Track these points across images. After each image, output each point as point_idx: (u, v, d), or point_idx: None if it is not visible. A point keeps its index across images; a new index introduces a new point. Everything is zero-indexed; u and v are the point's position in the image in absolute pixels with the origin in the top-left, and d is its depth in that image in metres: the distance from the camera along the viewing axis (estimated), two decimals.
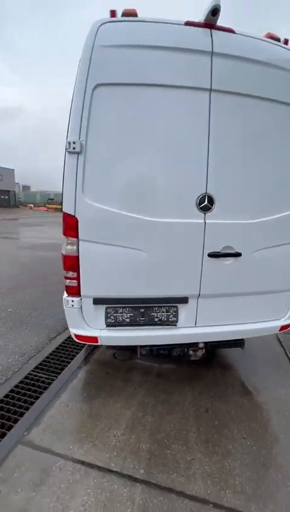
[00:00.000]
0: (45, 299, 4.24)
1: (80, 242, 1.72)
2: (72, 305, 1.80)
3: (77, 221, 1.69)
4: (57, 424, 1.85)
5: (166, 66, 1.62)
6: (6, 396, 2.08)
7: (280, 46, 1.75)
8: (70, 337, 2.93)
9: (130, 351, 2.53)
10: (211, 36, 1.62)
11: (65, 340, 2.96)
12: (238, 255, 1.83)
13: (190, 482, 1.48)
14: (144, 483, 1.47)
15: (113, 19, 1.59)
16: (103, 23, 1.57)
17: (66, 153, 1.63)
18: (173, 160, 1.70)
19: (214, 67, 1.64)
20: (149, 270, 1.80)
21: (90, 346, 2.80)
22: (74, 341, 2.70)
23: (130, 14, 1.61)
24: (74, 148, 1.60)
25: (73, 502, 1.37)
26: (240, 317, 1.99)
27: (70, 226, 1.70)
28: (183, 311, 1.92)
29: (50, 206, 40.74)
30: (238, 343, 2.10)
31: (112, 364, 2.55)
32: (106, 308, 1.86)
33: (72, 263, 1.75)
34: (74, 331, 1.86)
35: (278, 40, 1.77)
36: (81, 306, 1.83)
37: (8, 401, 2.02)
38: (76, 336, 1.86)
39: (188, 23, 1.63)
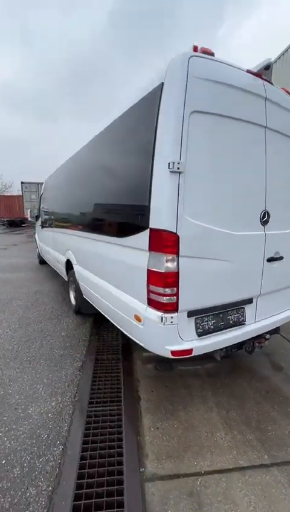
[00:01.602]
0: (33, 326, 3.62)
1: (180, 258, 1.75)
2: (172, 322, 1.79)
3: (178, 238, 1.72)
4: (163, 448, 1.77)
5: (239, 103, 1.91)
6: (86, 442, 1.80)
7: None
8: (99, 360, 2.77)
9: (169, 360, 2.62)
10: (264, 85, 2.03)
11: (95, 365, 2.70)
12: (281, 258, 2.29)
13: None
14: (276, 465, 1.67)
15: (197, 53, 1.75)
16: (191, 56, 1.71)
17: (167, 172, 1.66)
18: (246, 182, 2.00)
19: (267, 109, 2.05)
20: (231, 278, 2.01)
21: (124, 365, 2.69)
22: (106, 364, 2.70)
23: (208, 52, 1.81)
24: (177, 168, 1.65)
25: (240, 507, 1.43)
26: (280, 307, 2.46)
27: (171, 243, 1.72)
28: (248, 310, 2.22)
29: None
30: (277, 329, 2.57)
31: (161, 377, 2.55)
32: (195, 319, 1.94)
33: (172, 280, 1.76)
34: (170, 348, 1.83)
35: None
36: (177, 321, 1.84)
37: (94, 446, 1.76)
38: (173, 352, 1.85)
39: (248, 71, 1.98)
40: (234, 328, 2.13)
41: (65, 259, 4.22)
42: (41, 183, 20.76)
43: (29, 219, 7.73)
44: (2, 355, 2.85)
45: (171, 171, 1.66)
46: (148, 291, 1.88)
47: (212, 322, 2.02)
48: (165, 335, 1.83)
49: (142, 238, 1.90)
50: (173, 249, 1.73)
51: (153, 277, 1.82)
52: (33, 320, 3.79)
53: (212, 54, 1.82)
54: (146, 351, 2.92)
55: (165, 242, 1.72)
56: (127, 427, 1.94)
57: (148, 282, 1.86)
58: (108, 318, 2.68)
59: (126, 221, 2.20)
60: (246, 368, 2.72)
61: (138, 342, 2.11)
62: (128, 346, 3.13)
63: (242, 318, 2.18)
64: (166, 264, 1.74)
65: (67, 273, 4.35)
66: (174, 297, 1.79)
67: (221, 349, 2.19)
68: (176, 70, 1.70)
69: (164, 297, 1.78)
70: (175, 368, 2.68)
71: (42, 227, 6.56)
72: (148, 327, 1.92)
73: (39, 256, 7.95)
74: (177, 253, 1.75)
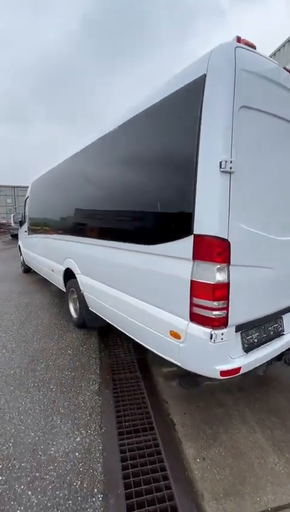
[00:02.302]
0: (33, 344, 3.22)
1: (230, 267, 1.58)
2: (222, 339, 1.60)
3: (229, 244, 1.55)
4: (218, 484, 1.56)
5: (282, 101, 1.79)
6: (128, 486, 1.53)
7: None
8: (116, 380, 2.51)
9: (195, 375, 2.42)
10: None
11: (114, 386, 2.42)
12: None
13: None
14: None
15: (242, 45, 1.61)
16: (237, 47, 1.56)
17: (217, 172, 1.48)
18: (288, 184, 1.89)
19: None
20: (273, 286, 1.88)
21: (143, 386, 2.45)
22: (125, 385, 2.52)
23: (251, 45, 1.68)
24: (230, 168, 1.48)
25: None
26: None
27: (222, 251, 1.54)
28: (286, 319, 2.09)
29: None
30: None
31: (188, 395, 2.34)
32: (241, 334, 1.76)
33: (223, 292, 1.57)
34: (220, 367, 1.64)
35: None
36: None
37: (139, 491, 1.50)
38: (222, 372, 1.65)
39: (285, 68, 1.88)
40: (275, 339, 1.99)
41: (64, 269, 3.87)
42: (18, 187, 19.60)
43: (13, 225, 7.17)
44: (3, 383, 2.47)
45: (222, 171, 1.48)
46: (192, 305, 1.68)
47: (256, 335, 1.86)
48: (214, 354, 1.64)
49: (182, 246, 1.69)
50: (224, 257, 1.55)
51: (199, 289, 1.62)
52: (31, 338, 3.39)
53: (254, 47, 1.69)
54: (166, 366, 2.70)
55: (215, 250, 1.54)
56: (170, 461, 1.70)
57: (192, 294, 1.66)
58: (129, 335, 2.41)
59: (157, 226, 1.98)
60: (273, 378, 2.60)
61: (173, 361, 1.89)
62: (144, 362, 2.88)
63: (281, 328, 2.05)
64: (216, 274, 1.55)
65: (65, 283, 4.00)
66: (224, 311, 1.60)
67: (264, 363, 2.04)
68: (221, 61, 1.54)
69: (213, 312, 1.58)
70: (201, 383, 2.49)
71: (29, 233, 6.09)
72: (191, 345, 1.71)
73: (23, 264, 7.40)
74: (228, 262, 1.57)
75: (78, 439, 1.85)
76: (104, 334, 3.51)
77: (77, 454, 1.73)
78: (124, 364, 2.84)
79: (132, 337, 2.36)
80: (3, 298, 5.09)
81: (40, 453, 1.74)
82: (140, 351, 3.08)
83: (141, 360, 2.92)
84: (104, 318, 2.89)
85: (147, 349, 3.04)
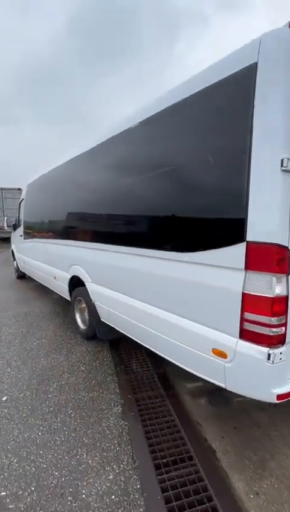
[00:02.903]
0: (40, 360, 2.92)
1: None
2: (281, 359, 1.42)
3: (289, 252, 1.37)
4: None
5: None
6: None
7: None
8: (139, 400, 2.31)
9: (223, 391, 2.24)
10: None
11: (138, 407, 2.19)
12: None
13: None
14: None
15: None
16: None
17: (278, 172, 1.31)
18: None
19: None
20: None
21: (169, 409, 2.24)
22: (150, 405, 2.30)
23: None
24: None
25: None
26: None
27: (283, 260, 1.36)
28: None
29: None
30: None
31: (221, 415, 2.14)
32: None
33: (281, 306, 1.39)
34: (277, 391, 1.44)
35: None
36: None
37: None
38: (279, 396, 1.46)
39: None
40: None
41: (69, 276, 3.60)
42: (5, 189, 18.96)
43: (6, 228, 6.80)
44: (14, 409, 2.18)
45: (284, 170, 1.31)
46: (243, 321, 1.49)
47: None
48: (271, 375, 1.45)
49: (230, 253, 1.50)
50: (284, 267, 1.37)
51: (253, 303, 1.43)
52: (37, 353, 3.10)
53: None
54: (189, 380, 2.48)
55: (273, 258, 1.35)
56: (220, 500, 1.49)
57: (244, 309, 1.47)
58: (157, 351, 2.18)
59: (198, 232, 1.75)
60: None
61: (215, 382, 1.69)
62: (164, 377, 2.66)
63: None
64: (276, 286, 1.37)
65: (70, 291, 3.73)
66: (283, 328, 1.42)
67: None
68: (278, 46, 1.37)
69: (272, 329, 1.40)
70: (231, 400, 2.30)
71: (25, 237, 5.75)
72: (241, 365, 1.52)
73: (17, 270, 7.02)
74: (288, 272, 1.39)
75: (111, 476, 1.61)
76: (116, 346, 3.27)
77: (113, 497, 1.49)
78: (144, 380, 2.61)
79: (161, 354, 2.14)
80: (0, 308, 4.74)
81: (69, 498, 1.49)
82: (158, 364, 2.86)
83: (161, 374, 2.71)
84: (122, 331, 2.66)
85: (166, 362, 2.88)
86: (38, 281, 5.31)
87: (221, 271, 1.58)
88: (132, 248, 2.31)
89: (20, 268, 6.69)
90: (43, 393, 2.37)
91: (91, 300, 3.11)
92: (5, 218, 6.65)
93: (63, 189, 3.84)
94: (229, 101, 1.56)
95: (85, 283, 3.20)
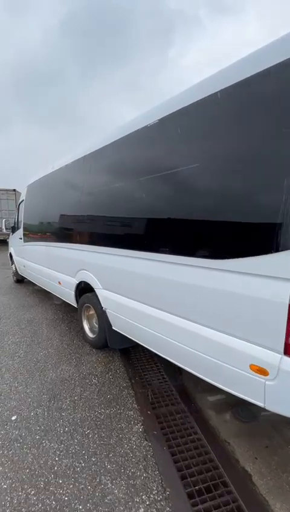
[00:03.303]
0: (49, 373, 2.74)
1: None
2: None
3: None
4: None
5: None
6: None
7: None
8: (160, 416, 2.12)
9: (249, 404, 2.10)
10: None
11: (160, 425, 2.03)
12: None
13: None
14: None
15: None
16: None
17: None
18: None
19: None
20: None
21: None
22: (173, 422, 2.20)
23: None
24: None
25: None
26: None
27: None
28: None
29: None
30: None
31: (249, 431, 2.00)
32: None
33: None
34: None
35: None
36: None
37: None
38: None
39: None
40: None
41: (76, 282, 3.43)
42: (1, 190, 18.54)
43: (4, 231, 6.56)
44: (25, 430, 1.99)
45: None
46: (289, 336, 1.35)
47: None
48: None
49: (274, 261, 1.37)
50: None
51: None
52: (44, 364, 2.91)
53: None
54: (210, 393, 2.35)
55: None
56: None
57: None
58: (181, 365, 2.02)
59: (235, 237, 1.60)
60: None
61: (253, 401, 1.55)
62: (183, 389, 2.52)
63: None
64: None
65: (77, 298, 3.55)
66: None
67: None
68: None
69: None
70: (258, 415, 2.17)
71: (25, 240, 5.53)
72: (286, 384, 1.39)
73: (16, 274, 6.78)
74: None
75: (142, 510, 1.45)
76: (127, 355, 3.11)
77: None
78: (162, 393, 2.46)
79: (187, 368, 1.98)
80: (1, 314, 4.52)
81: None
82: (173, 374, 2.72)
83: (180, 386, 2.56)
84: (138, 342, 2.50)
85: (181, 372, 2.74)
86: (40, 285, 5.10)
87: (263, 280, 1.43)
88: (155, 254, 2.13)
89: (19, 272, 6.46)
90: (55, 411, 2.19)
91: (102, 307, 2.94)
92: (3, 220, 6.42)
93: (70, 190, 3.64)
94: (265, 94, 1.42)
95: (95, 289, 3.03)
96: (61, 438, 1.93)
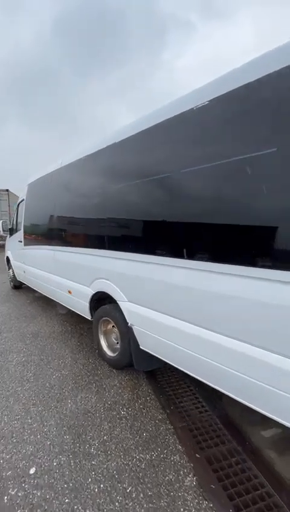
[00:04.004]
0: (67, 403, 2.29)
1: None
2: None
3: None
4: None
5: None
6: None
7: None
8: (212, 462, 1.78)
9: None
10: None
11: (216, 474, 1.64)
12: None
13: None
14: None
15: None
16: None
17: None
18: None
19: None
20: None
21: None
22: (229, 470, 1.61)
23: None
24: None
25: None
26: None
27: None
28: None
29: None
30: None
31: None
32: None
33: None
34: None
35: None
36: None
37: None
38: None
39: None
40: None
41: (92, 292, 3.00)
42: None
43: (2, 233, 6.06)
44: (50, 489, 1.55)
45: None
46: None
47: None
48: None
49: None
50: None
51: None
52: (60, 391, 2.47)
53: None
54: (261, 426, 2.03)
55: None
56: None
57: None
58: (229, 394, 1.66)
59: None
60: None
61: None
62: (229, 421, 2.13)
63: None
64: None
65: (92, 309, 3.13)
66: None
67: None
68: None
69: None
70: None
71: (26, 243, 5.06)
72: None
73: (13, 279, 6.28)
74: None
75: None
76: (154, 376, 2.71)
77: None
78: (206, 427, 2.07)
79: (240, 399, 1.61)
80: (1, 327, 4.04)
81: None
82: (212, 399, 2.34)
83: (224, 417, 2.17)
84: (175, 365, 2.10)
85: (221, 398, 2.36)
86: (44, 293, 4.63)
87: None
88: (204, 263, 1.74)
89: (18, 278, 5.96)
90: (84, 458, 1.77)
91: (127, 323, 2.53)
92: (1, 221, 5.92)
93: (87, 187, 3.18)
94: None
95: (118, 302, 2.61)
96: (98, 500, 1.51)
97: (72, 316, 4.37)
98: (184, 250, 1.93)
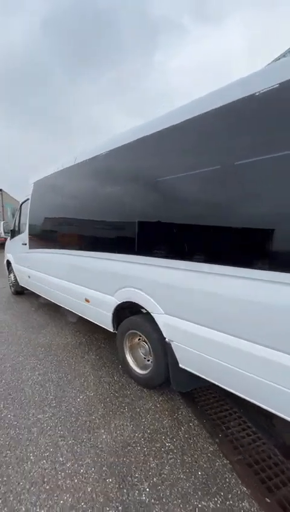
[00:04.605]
0: (100, 433, 1.98)
1: None
2: None
3: None
4: None
5: None
6: None
7: None
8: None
9: None
10: None
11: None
12: None
13: None
14: None
15: None
16: None
17: None
18: None
19: None
20: None
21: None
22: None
23: None
24: None
25: None
26: None
27: None
28: None
29: None
30: None
31: None
32: None
33: None
34: None
35: None
36: None
37: None
38: None
39: None
40: None
41: (117, 302, 2.70)
42: None
43: (3, 235, 5.66)
44: None
45: None
46: None
47: None
48: None
49: None
50: None
51: None
52: (90, 418, 2.14)
53: None
54: None
55: None
56: None
57: None
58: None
59: None
60: None
61: None
62: (288, 450, 1.87)
63: None
64: None
65: (116, 322, 2.83)
66: None
67: None
68: None
69: None
70: None
71: (31, 246, 4.69)
72: None
73: (15, 284, 5.88)
74: None
75: None
76: (189, 395, 2.42)
77: None
78: (266, 460, 1.79)
79: None
80: (8, 339, 3.67)
81: None
82: (261, 423, 2.08)
83: (282, 447, 1.91)
84: (225, 387, 1.83)
85: (272, 421, 2.09)
86: (53, 301, 4.28)
87: None
88: (263, 272, 1.49)
89: (21, 284, 5.57)
90: (134, 509, 1.47)
91: (164, 338, 2.24)
92: (2, 222, 5.52)
93: (112, 184, 2.85)
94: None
95: (153, 314, 2.32)
96: None
97: (83, 324, 4.05)
98: (244, 258, 1.66)
